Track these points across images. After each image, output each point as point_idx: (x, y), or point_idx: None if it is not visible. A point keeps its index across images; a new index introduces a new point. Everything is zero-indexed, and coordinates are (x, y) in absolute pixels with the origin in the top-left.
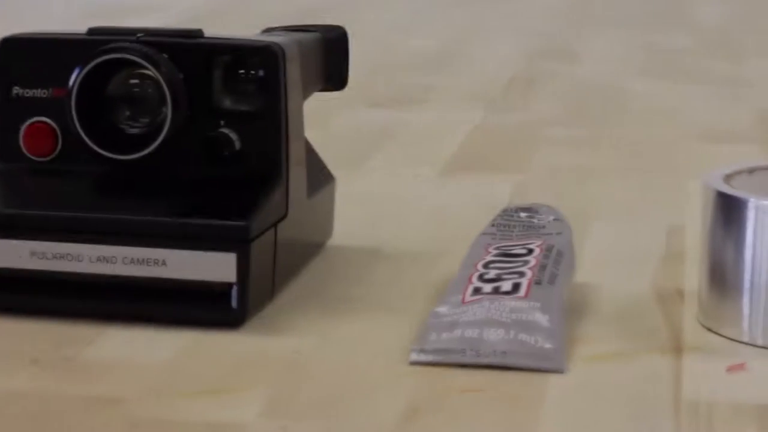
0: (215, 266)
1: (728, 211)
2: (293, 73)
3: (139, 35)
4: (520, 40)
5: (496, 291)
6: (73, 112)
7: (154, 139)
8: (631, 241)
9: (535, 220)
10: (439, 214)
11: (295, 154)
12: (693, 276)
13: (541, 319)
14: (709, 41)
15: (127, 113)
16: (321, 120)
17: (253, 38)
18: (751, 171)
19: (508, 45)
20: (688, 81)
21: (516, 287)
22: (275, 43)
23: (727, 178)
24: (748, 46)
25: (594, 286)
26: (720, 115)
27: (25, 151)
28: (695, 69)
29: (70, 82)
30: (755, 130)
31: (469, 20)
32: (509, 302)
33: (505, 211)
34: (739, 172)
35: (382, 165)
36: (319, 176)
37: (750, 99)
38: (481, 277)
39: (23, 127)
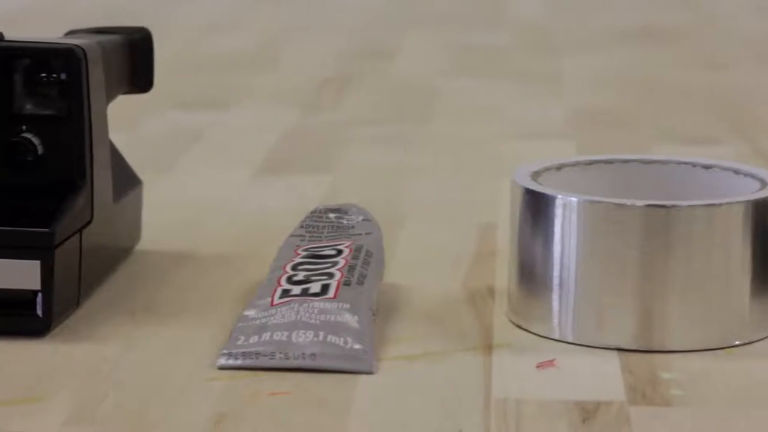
0: (19, 274)
1: (536, 208)
2: (96, 75)
3: None
4: (335, 39)
5: (305, 293)
6: None
7: None
8: (442, 241)
9: (344, 221)
10: (250, 217)
11: (100, 158)
12: (504, 274)
13: (350, 320)
14: (525, 39)
15: None
16: (129, 123)
17: (55, 41)
18: (559, 168)
19: (322, 44)
20: (503, 78)
21: (325, 289)
22: (77, 46)
23: (535, 175)
24: (564, 44)
25: (405, 286)
26: (535, 112)
27: None
28: (511, 67)
29: None
30: (570, 127)
31: (282, 19)
32: (318, 304)
33: (314, 212)
34: (547, 169)
35: (192, 168)
36: (126, 180)
37: (565, 96)
38: (289, 280)
39: None
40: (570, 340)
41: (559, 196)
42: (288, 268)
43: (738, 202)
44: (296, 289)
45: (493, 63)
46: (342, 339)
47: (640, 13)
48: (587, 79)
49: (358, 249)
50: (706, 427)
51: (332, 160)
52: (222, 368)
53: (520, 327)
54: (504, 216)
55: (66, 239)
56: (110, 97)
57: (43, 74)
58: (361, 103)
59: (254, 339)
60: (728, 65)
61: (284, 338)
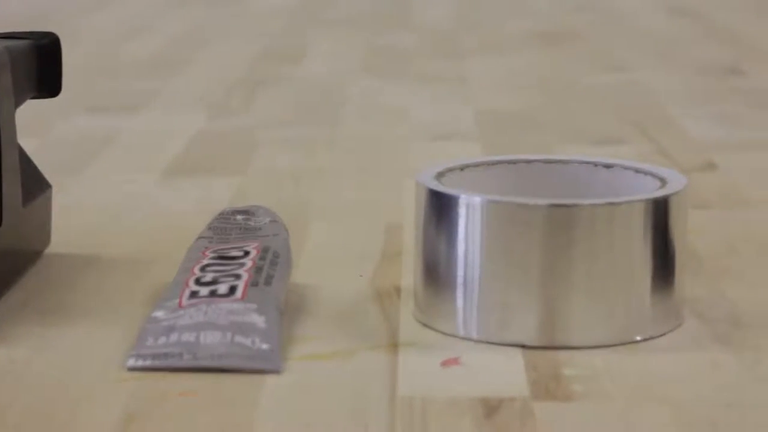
0: None
1: (440, 208)
2: (4, 80)
3: None
4: (245, 43)
5: (213, 294)
6: None
7: None
8: (350, 241)
9: (252, 222)
10: (159, 219)
11: (8, 162)
12: (410, 273)
13: (258, 320)
14: (432, 41)
15: None
16: (39, 127)
17: None
18: (463, 168)
19: (232, 47)
20: (411, 80)
21: (232, 290)
22: None
23: (439, 175)
24: (469, 46)
25: (312, 286)
26: (442, 113)
27: None
28: (418, 68)
29: None
30: (475, 128)
31: (192, 23)
32: (226, 305)
33: (221, 214)
34: (451, 170)
35: (102, 171)
36: (35, 184)
37: (470, 97)
38: (198, 281)
39: None
40: (474, 337)
41: (463, 196)
42: (196, 269)
43: (638, 201)
44: (204, 291)
45: (401, 65)
46: (249, 339)
47: (545, 16)
48: (494, 81)
49: (266, 250)
50: (608, 421)
51: (241, 162)
52: (131, 369)
53: (425, 325)
54: (410, 216)
55: None
56: (18, 102)
57: None
58: (270, 106)
59: (163, 340)
60: (630, 66)
61: (192, 339)
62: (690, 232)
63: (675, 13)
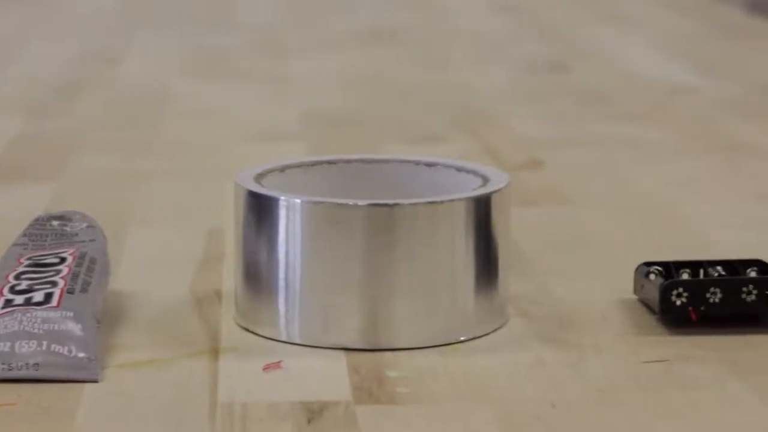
0: None
1: (259, 210)
2: None
3: None
4: (64, 44)
5: (28, 302)
6: None
7: None
8: (170, 246)
9: (68, 228)
10: None
11: None
12: (231, 278)
13: (74, 328)
14: (256, 40)
15: None
16: None
17: None
18: (283, 169)
19: (51, 48)
20: (234, 81)
21: (48, 297)
22: None
23: (258, 177)
24: (293, 45)
25: (131, 292)
26: (266, 113)
27: None
28: (241, 68)
29: None
30: (300, 128)
31: (12, 22)
32: (41, 313)
33: (37, 220)
34: (271, 171)
35: None
36: None
37: (294, 97)
38: (12, 289)
39: None
40: (297, 341)
41: (282, 198)
42: (11, 277)
43: (459, 199)
44: (19, 299)
45: (224, 65)
46: (66, 348)
47: (369, 15)
48: (318, 81)
49: (82, 256)
50: (432, 423)
51: (58, 167)
52: None
53: (247, 330)
54: (232, 219)
55: None
56: None
57: None
58: (89, 109)
59: None
60: (455, 64)
61: (7, 349)
62: (516, 230)
63: (498, 10)
